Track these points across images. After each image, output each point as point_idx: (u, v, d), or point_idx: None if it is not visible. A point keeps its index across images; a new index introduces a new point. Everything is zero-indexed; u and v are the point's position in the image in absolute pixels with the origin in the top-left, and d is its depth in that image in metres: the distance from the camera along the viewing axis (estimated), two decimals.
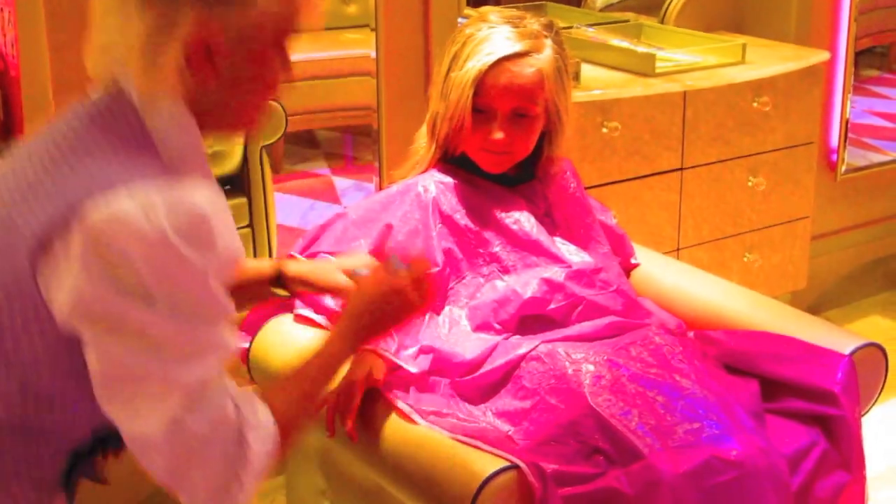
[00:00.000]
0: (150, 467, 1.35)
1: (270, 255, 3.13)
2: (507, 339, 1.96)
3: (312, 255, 2.07)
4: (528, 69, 1.98)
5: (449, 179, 2.07)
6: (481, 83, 1.97)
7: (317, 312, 2.05)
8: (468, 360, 1.91)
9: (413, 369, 1.86)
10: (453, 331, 1.98)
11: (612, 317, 2.00)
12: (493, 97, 1.98)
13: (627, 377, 1.84)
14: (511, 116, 2.00)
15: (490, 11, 2.07)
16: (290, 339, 2.04)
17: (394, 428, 1.78)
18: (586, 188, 2.32)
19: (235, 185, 3.06)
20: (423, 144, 2.10)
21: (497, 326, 1.97)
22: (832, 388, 1.93)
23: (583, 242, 2.12)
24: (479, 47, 1.98)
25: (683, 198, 3.25)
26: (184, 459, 1.34)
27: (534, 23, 2.04)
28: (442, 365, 1.90)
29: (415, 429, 1.77)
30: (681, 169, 3.23)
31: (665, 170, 3.19)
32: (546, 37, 2.03)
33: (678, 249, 3.29)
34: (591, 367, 1.84)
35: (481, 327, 1.98)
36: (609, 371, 1.84)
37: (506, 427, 1.81)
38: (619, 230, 2.29)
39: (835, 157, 3.94)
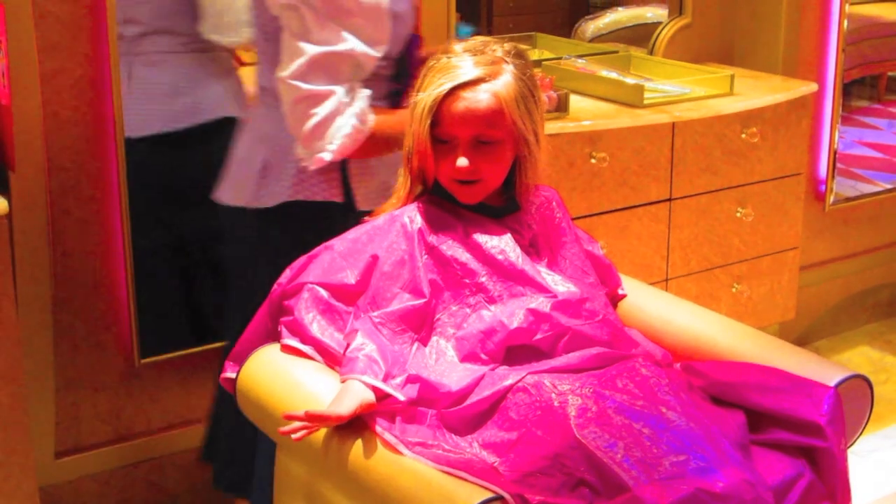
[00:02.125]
0: None
1: None
2: (493, 369, 1.96)
3: (299, 287, 2.08)
4: (482, 95, 2.00)
5: (434, 210, 2.07)
6: (439, 112, 2.00)
7: (304, 342, 2.05)
8: (455, 390, 1.91)
9: (401, 397, 1.86)
10: (440, 361, 1.99)
11: (599, 347, 2.01)
12: (451, 125, 2.00)
13: (613, 409, 1.84)
14: (474, 144, 2.02)
15: (454, 42, 2.09)
16: (277, 369, 2.05)
17: (379, 459, 1.78)
18: (574, 218, 2.33)
19: None
20: (400, 180, 2.12)
21: (484, 357, 1.98)
22: (818, 420, 1.94)
23: (568, 272, 2.13)
24: (436, 77, 2.01)
25: (672, 228, 3.29)
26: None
27: (497, 49, 2.05)
28: (429, 394, 1.90)
29: (400, 460, 1.77)
30: (669, 199, 3.26)
31: (653, 200, 3.23)
32: (506, 62, 2.04)
33: (666, 280, 3.32)
34: (578, 400, 1.85)
35: (468, 357, 1.98)
36: (595, 403, 1.85)
37: (492, 458, 1.81)
38: (607, 260, 2.31)
39: (823, 187, 3.98)
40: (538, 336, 1.99)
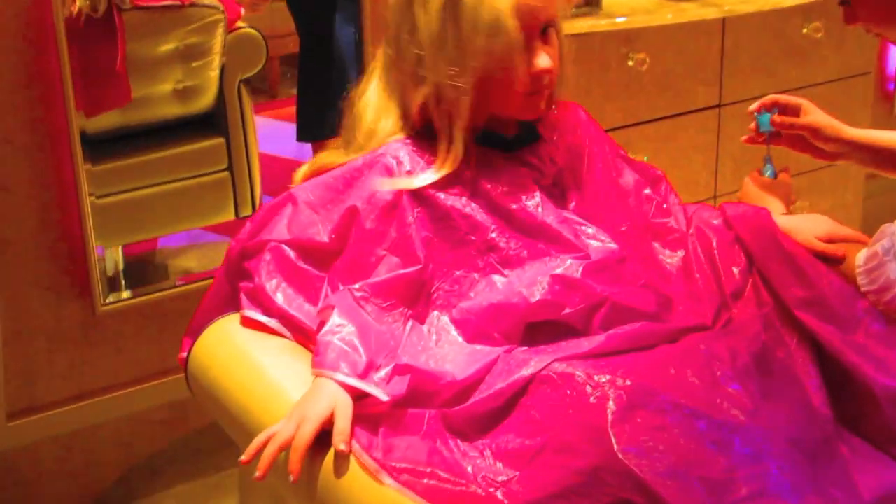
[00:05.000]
0: None
1: (253, 203, 2.77)
2: (509, 352, 1.53)
3: (261, 245, 1.64)
4: None
5: (425, 147, 1.63)
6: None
7: (267, 314, 1.62)
8: (459, 380, 1.48)
9: (383, 397, 1.43)
10: (441, 343, 1.56)
11: (645, 321, 1.57)
12: (524, 13, 1.55)
13: (666, 407, 1.40)
14: (542, 31, 1.60)
15: None
16: (234, 350, 1.63)
17: (355, 488, 1.36)
18: (608, 130, 1.86)
19: (211, 124, 2.76)
20: (382, 122, 1.66)
21: (497, 336, 1.54)
22: None
23: (604, 218, 1.67)
24: None
25: (721, 139, 3.00)
26: None
27: None
28: (425, 386, 1.48)
29: (381, 491, 1.34)
30: (718, 106, 2.97)
31: (700, 107, 2.95)
32: None
33: (715, 197, 3.04)
34: (620, 395, 1.41)
35: (477, 337, 1.55)
36: (642, 399, 1.41)
37: (509, 473, 1.38)
38: (655, 171, 1.83)
39: (892, 86, 3.75)
40: (567, 310, 1.54)
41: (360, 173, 1.62)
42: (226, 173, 2.78)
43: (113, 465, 2.68)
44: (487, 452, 1.42)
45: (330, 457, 1.38)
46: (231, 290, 1.71)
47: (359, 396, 1.44)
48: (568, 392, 1.42)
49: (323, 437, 1.38)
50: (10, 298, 2.43)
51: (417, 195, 1.59)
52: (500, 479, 1.39)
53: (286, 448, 1.37)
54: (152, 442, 2.73)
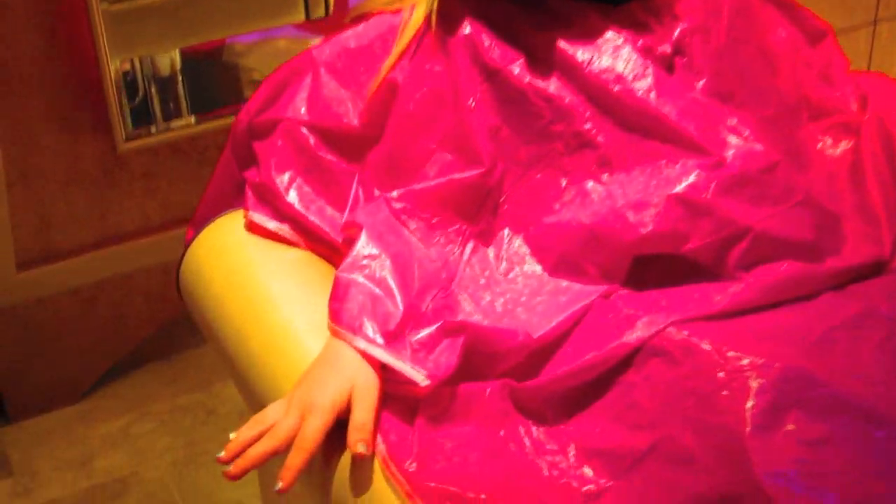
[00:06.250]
0: None
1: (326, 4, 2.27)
2: (607, 297, 1.09)
3: (271, 122, 1.21)
4: None
5: (489, 4, 1.15)
6: None
7: (277, 219, 1.20)
8: (535, 339, 1.05)
9: (422, 380, 1.00)
10: (513, 275, 1.12)
11: (799, 258, 1.10)
12: None
13: (831, 406, 0.96)
14: None
15: None
16: (231, 262, 1.23)
17: None
18: None
19: None
20: None
21: (591, 271, 1.10)
22: None
23: (746, 97, 1.18)
24: None
25: None
26: None
27: None
28: (487, 347, 1.05)
29: None
30: None
31: None
32: None
33: (875, 22, 2.42)
34: (765, 385, 0.96)
35: (563, 269, 1.11)
36: (796, 394, 0.96)
37: (600, 482, 0.97)
38: (818, 21, 1.31)
39: None
40: (691, 244, 1.09)
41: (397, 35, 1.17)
42: None
43: (143, 320, 2.33)
44: (571, 449, 1.01)
45: (346, 461, 0.98)
46: (239, 174, 1.29)
47: (389, 381, 1.03)
48: (689, 375, 0.98)
49: (339, 430, 0.98)
50: (14, 134, 2.03)
51: (482, 67, 1.13)
52: (586, 489, 0.98)
53: (282, 452, 0.97)
54: None
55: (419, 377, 0.99)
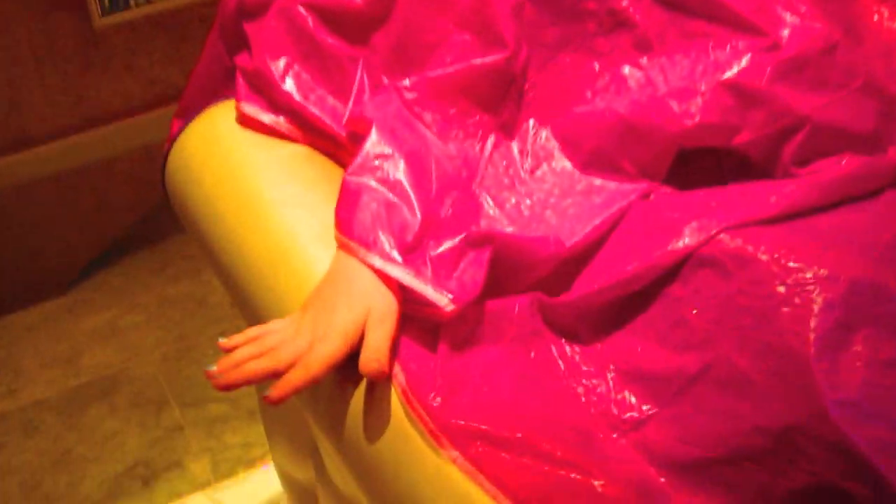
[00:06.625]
0: None
1: None
2: (646, 197, 0.97)
3: (264, 1, 1.07)
4: None
5: None
6: None
7: (272, 111, 1.08)
8: (567, 247, 0.94)
9: (447, 305, 0.88)
10: (540, 172, 1.00)
11: (860, 151, 0.98)
12: None
13: None
14: None
15: None
16: (220, 160, 1.10)
17: (395, 453, 0.84)
18: None
19: None
20: None
21: (628, 168, 0.98)
22: None
23: None
24: None
25: None
26: None
27: None
28: (513, 258, 0.93)
29: (434, 463, 0.82)
30: None
31: None
32: None
33: None
34: (829, 303, 0.85)
35: (596, 165, 0.99)
36: (866, 309, 0.85)
37: (644, 409, 0.87)
38: None
39: None
40: (742, 137, 0.97)
41: None
42: None
43: (127, 206, 2.21)
44: (610, 371, 0.90)
45: (360, 395, 0.86)
46: (228, 58, 1.15)
47: (409, 301, 0.91)
48: (745, 289, 0.87)
49: (352, 362, 0.86)
50: None
51: None
52: (627, 416, 0.88)
53: (283, 374, 0.86)
54: None
55: (443, 300, 0.87)
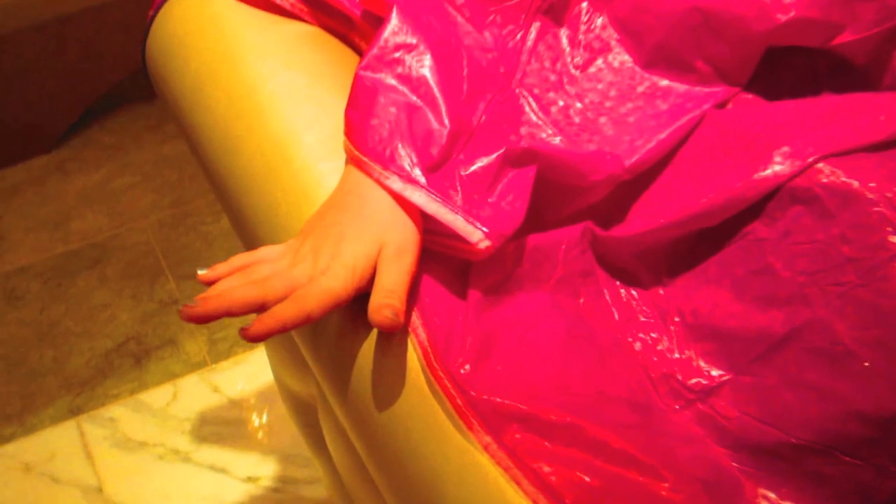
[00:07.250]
0: None
1: None
2: (722, 104, 0.80)
3: None
4: None
5: None
6: None
7: None
8: (626, 167, 0.77)
9: (482, 242, 0.71)
10: (593, 69, 0.82)
11: None
12: None
13: None
14: None
15: None
16: (215, 32, 0.91)
17: (416, 434, 0.68)
18: None
19: None
20: None
21: (701, 66, 0.80)
22: None
23: None
24: None
25: None
26: None
27: None
28: (560, 180, 0.77)
29: (460, 449, 0.66)
30: None
31: None
32: None
33: None
34: None
35: (660, 62, 0.82)
36: None
37: (714, 375, 0.72)
38: None
39: None
40: (844, 36, 0.78)
41: None
42: None
43: (119, 57, 2.03)
44: (674, 325, 0.74)
45: (368, 350, 0.70)
46: None
47: (432, 233, 0.74)
48: (848, 235, 0.70)
49: (360, 302, 0.70)
50: None
51: None
52: (693, 382, 0.72)
53: (271, 307, 0.69)
54: None
55: (476, 234, 0.70)
